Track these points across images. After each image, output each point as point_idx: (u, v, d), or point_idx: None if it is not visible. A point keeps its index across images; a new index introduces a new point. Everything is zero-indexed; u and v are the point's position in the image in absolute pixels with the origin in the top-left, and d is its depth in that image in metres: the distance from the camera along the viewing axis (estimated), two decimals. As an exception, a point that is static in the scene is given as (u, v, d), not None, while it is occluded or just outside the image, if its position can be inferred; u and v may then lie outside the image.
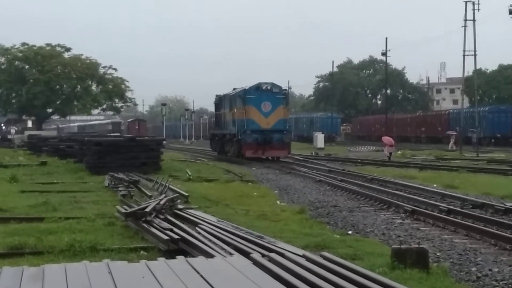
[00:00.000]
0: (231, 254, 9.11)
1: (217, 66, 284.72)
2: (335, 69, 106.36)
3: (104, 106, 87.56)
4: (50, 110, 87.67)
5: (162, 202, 14.86)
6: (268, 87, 40.91)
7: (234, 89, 46.08)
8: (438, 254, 11.87)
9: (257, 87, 40.94)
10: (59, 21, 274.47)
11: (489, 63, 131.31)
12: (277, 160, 40.82)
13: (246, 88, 41.93)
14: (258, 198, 21.16)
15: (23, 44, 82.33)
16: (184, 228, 11.99)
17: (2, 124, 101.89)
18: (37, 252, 10.95)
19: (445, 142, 67.23)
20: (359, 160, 42.42)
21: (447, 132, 66.95)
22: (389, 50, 68.08)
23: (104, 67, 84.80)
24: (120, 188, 21.07)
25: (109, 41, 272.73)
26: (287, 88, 43.83)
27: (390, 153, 43.84)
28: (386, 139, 45.38)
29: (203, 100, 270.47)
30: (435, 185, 24.38)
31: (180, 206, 15.81)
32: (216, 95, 50.72)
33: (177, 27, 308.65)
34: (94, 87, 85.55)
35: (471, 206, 18.19)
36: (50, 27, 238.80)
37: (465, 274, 10.46)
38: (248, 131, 40.00)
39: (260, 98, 40.46)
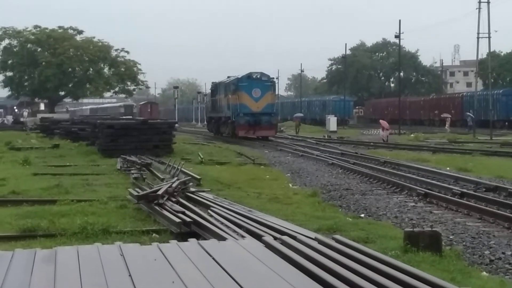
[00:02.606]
0: (243, 236, 9.12)
1: (230, 49, 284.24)
2: (348, 52, 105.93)
3: (117, 89, 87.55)
4: (62, 93, 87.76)
5: (174, 185, 14.89)
6: (258, 76, 47.16)
7: (228, 77, 52.01)
8: (451, 237, 11.86)
9: (248, 76, 47.11)
10: (72, 9, 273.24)
11: (503, 46, 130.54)
12: (290, 143, 41.33)
13: (239, 76, 48.17)
14: (270, 181, 21.16)
15: (36, 26, 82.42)
16: (196, 211, 12.02)
17: (15, 107, 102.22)
18: (50, 234, 11.00)
19: (458, 125, 67.07)
20: (372, 143, 42.42)
21: (442, 115, 66.98)
22: (403, 33, 67.32)
23: (116, 50, 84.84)
24: (132, 171, 21.13)
25: (122, 28, 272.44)
26: (274, 77, 49.84)
27: (387, 136, 46.53)
28: (384, 122, 48.29)
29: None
30: (448, 168, 24.31)
31: (192, 189, 15.85)
32: (212, 82, 57.22)
33: (191, 12, 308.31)
34: (106, 70, 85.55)
35: (484, 189, 18.16)
36: (62, 15, 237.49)
37: (478, 257, 10.44)
38: (241, 114, 45.69)
39: (251, 85, 46.25)
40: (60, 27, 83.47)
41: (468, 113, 65.44)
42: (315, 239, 8.10)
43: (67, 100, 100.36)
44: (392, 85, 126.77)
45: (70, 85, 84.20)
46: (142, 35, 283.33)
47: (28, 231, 11.18)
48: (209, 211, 12.24)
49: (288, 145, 39.60)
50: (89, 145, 32.44)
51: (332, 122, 68.20)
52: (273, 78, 49.17)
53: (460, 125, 66.13)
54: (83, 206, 13.88)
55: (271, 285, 5.95)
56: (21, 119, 72.57)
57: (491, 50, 63.70)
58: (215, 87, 54.98)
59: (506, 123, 67.16)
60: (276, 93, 54.08)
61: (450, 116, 64.87)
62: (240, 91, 46.07)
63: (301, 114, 76.45)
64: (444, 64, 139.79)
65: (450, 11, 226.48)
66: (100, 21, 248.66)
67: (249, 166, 26.33)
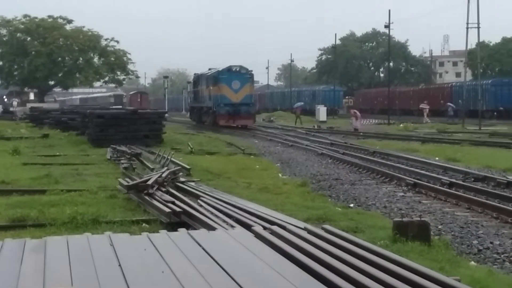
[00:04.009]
0: (232, 226, 9.13)
1: (219, 39, 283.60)
2: (338, 42, 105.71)
3: (106, 79, 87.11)
4: (52, 83, 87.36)
5: (164, 175, 14.87)
6: (237, 69, 50.53)
7: (209, 69, 56.05)
8: (439, 227, 11.90)
9: (228, 69, 50.41)
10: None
11: (492, 36, 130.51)
12: (280, 133, 41.58)
13: (220, 69, 51.56)
14: (260, 171, 21.17)
15: (25, 16, 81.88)
16: (186, 201, 12.01)
17: (4, 97, 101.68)
18: (39, 224, 10.98)
19: (447, 115, 67.31)
20: (361, 133, 42.46)
21: (421, 106, 67.30)
22: (392, 23, 67.28)
23: (106, 40, 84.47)
24: (122, 161, 21.11)
25: (112, 20, 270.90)
26: (252, 70, 52.33)
27: (360, 125, 49.30)
28: (356, 112, 51.12)
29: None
30: (437, 158, 24.38)
31: (182, 179, 15.83)
32: (194, 74, 61.74)
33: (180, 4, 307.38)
34: (96, 59, 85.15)
35: (473, 179, 18.22)
36: (52, 8, 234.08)
37: (467, 247, 10.50)
38: (222, 105, 48.73)
39: (230, 77, 49.42)
40: (49, 16, 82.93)
41: (449, 104, 67.08)
42: (305, 229, 8.12)
43: (57, 89, 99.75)
44: (381, 75, 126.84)
45: (59, 75, 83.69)
46: (132, 26, 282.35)
47: (18, 221, 11.15)
48: (199, 201, 12.24)
49: (278, 135, 39.63)
50: (79, 135, 32.38)
51: (321, 112, 68.07)
52: (251, 70, 51.98)
53: (449, 116, 66.33)
54: (73, 196, 13.86)
55: (260, 274, 5.96)
56: (11, 109, 72.08)
57: (481, 41, 63.62)
58: (197, 78, 58.24)
59: (495, 113, 67.26)
60: (254, 84, 57.23)
61: (428, 106, 65.33)
62: (221, 83, 48.99)
63: (301, 103, 74.08)
64: (433, 54, 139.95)
65: (440, 1, 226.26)
66: (91, 14, 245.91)
67: (239, 156, 26.35)
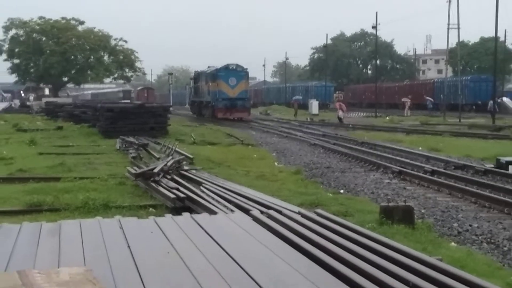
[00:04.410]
0: (232, 211, 9.12)
1: (219, 40, 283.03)
2: (329, 41, 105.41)
3: (116, 75, 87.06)
4: (65, 79, 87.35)
5: (169, 164, 14.87)
6: (234, 67, 51.29)
7: (208, 67, 56.71)
8: (422, 211, 11.92)
9: (226, 67, 51.08)
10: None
11: (471, 36, 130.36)
12: (276, 125, 41.57)
13: (218, 67, 52.24)
14: (257, 160, 21.15)
15: (40, 17, 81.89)
16: (189, 187, 12.01)
17: (22, 92, 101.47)
18: (54, 209, 10.98)
19: (424, 109, 67.49)
20: (351, 125, 42.42)
21: (403, 99, 67.45)
22: (379, 24, 67.56)
23: (115, 39, 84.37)
24: (130, 151, 21.06)
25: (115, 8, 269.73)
26: (247, 68, 53.00)
27: (343, 116, 49.20)
28: (342, 104, 51.74)
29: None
30: (420, 148, 24.37)
31: (185, 167, 15.83)
32: (195, 71, 62.60)
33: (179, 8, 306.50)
34: (106, 57, 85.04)
35: (453, 167, 18.25)
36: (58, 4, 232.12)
37: (448, 229, 10.51)
38: (220, 99, 49.66)
39: (228, 75, 50.12)
40: (63, 18, 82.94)
41: (427, 98, 68.38)
42: (299, 213, 8.11)
43: (70, 85, 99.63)
44: (369, 72, 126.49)
45: (72, 72, 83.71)
46: (140, 28, 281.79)
47: (35, 206, 11.15)
48: (201, 187, 12.23)
49: (273, 127, 39.60)
50: (91, 127, 32.31)
51: (314, 106, 67.95)
52: (247, 68, 52.84)
53: (429, 109, 66.43)
54: (85, 183, 13.86)
55: (257, 255, 5.96)
56: (27, 103, 72.01)
57: (460, 40, 63.65)
58: (198, 75, 59.10)
59: (474, 107, 67.30)
60: (249, 81, 57.68)
61: (409, 100, 65.62)
62: (219, 80, 49.83)
63: (299, 97, 74.07)
64: (417, 53, 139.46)
65: (423, 4, 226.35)
66: (103, 19, 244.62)
67: (238, 146, 26.31)
